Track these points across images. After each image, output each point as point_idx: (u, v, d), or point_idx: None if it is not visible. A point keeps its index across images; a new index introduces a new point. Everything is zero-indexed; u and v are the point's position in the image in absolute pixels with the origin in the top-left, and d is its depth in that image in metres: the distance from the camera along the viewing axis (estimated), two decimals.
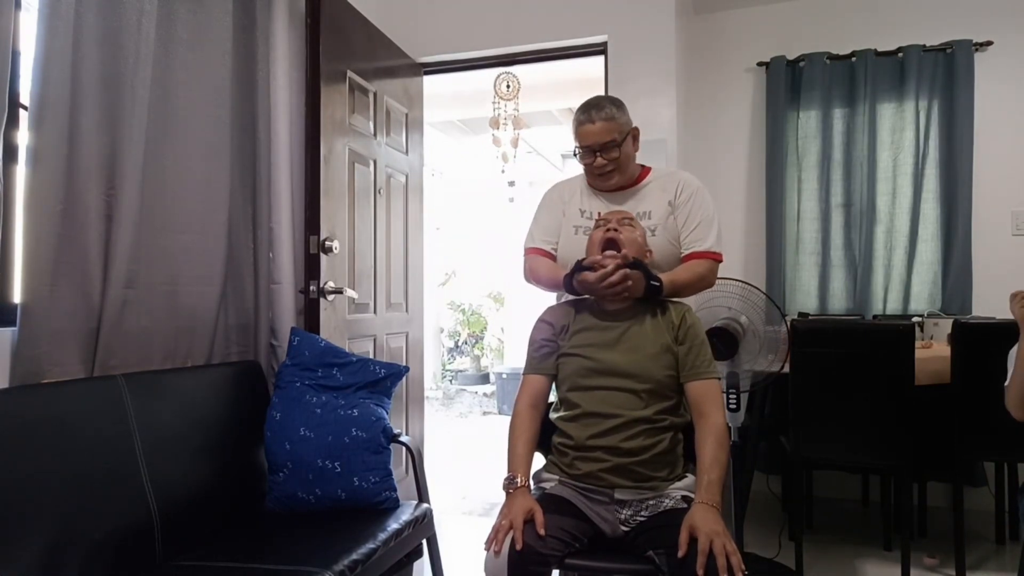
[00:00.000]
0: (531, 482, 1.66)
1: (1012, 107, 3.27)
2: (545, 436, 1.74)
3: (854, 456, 2.55)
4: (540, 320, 1.78)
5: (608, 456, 1.61)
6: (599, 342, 1.68)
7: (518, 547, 1.43)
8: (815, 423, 2.44)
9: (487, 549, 1.48)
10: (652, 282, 1.68)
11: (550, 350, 1.72)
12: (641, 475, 1.61)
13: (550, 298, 2.04)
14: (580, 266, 1.69)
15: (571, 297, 1.82)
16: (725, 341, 2.09)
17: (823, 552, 2.77)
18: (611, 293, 1.66)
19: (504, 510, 1.53)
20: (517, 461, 1.63)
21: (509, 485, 1.59)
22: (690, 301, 2.00)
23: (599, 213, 1.89)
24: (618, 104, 1.89)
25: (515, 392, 1.74)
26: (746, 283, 2.22)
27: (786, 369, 2.35)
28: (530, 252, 2.00)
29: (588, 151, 1.88)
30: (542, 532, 1.47)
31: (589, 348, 1.68)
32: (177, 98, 2.04)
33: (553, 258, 1.96)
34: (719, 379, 1.67)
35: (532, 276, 1.98)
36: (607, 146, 1.86)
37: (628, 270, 1.64)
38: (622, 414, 1.61)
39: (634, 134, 1.92)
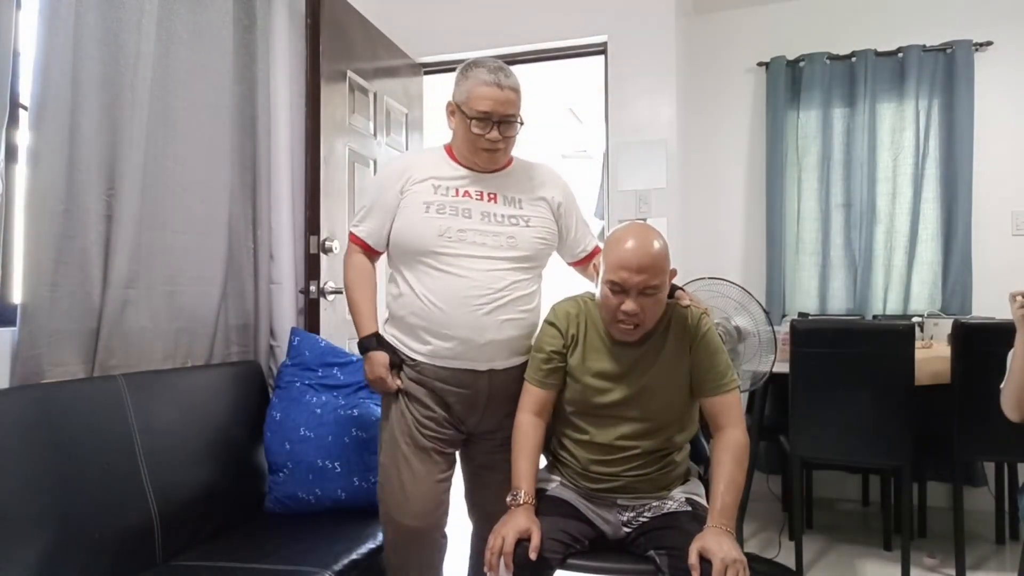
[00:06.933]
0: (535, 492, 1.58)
1: (1012, 107, 3.27)
2: (546, 436, 1.72)
3: (854, 456, 2.55)
4: (547, 322, 1.66)
5: (611, 479, 1.58)
6: (608, 371, 1.57)
7: (509, 572, 1.38)
8: (815, 423, 2.43)
9: (487, 572, 1.43)
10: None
11: (557, 363, 1.61)
12: (645, 489, 1.59)
13: (552, 296, 1.98)
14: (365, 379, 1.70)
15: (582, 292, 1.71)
16: None
17: (823, 552, 2.77)
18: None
19: (498, 525, 1.46)
20: (520, 476, 1.55)
21: (512, 501, 1.52)
22: None
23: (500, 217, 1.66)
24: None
25: None
26: (722, 280, 2.17)
27: (778, 369, 2.35)
28: (353, 240, 1.75)
29: (485, 120, 1.60)
30: (533, 557, 1.39)
31: (597, 378, 1.57)
32: (177, 98, 2.04)
33: (374, 254, 1.75)
34: (737, 388, 1.57)
35: (345, 277, 1.77)
36: (509, 120, 1.63)
37: None
38: (629, 446, 1.55)
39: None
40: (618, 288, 1.47)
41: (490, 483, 1.75)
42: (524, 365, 1.68)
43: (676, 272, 1.57)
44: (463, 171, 1.69)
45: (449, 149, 1.74)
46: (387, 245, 1.73)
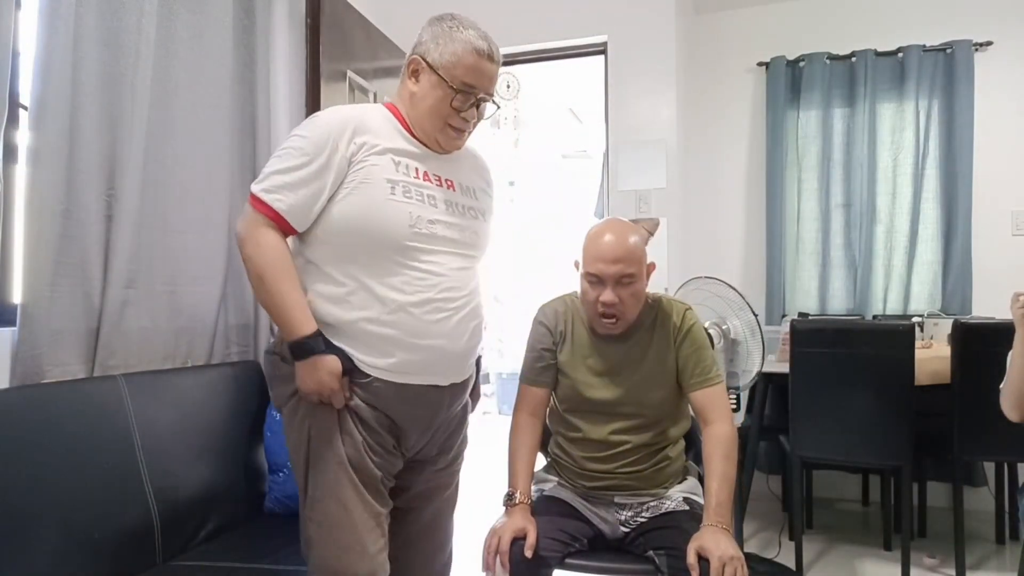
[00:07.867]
0: (531, 492, 1.60)
1: (1012, 107, 3.27)
2: (545, 437, 1.73)
3: (854, 456, 2.55)
4: (536, 321, 1.69)
5: (607, 477, 1.59)
6: (595, 368, 1.60)
7: (506, 572, 1.40)
8: (815, 423, 2.43)
9: (483, 571, 1.46)
10: None
11: (549, 361, 1.64)
12: (641, 487, 1.60)
13: (550, 294, 1.97)
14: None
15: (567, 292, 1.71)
16: None
17: (823, 552, 2.77)
18: None
19: (494, 525, 1.48)
20: (516, 477, 1.57)
21: (508, 501, 1.54)
22: None
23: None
24: None
25: (515, 392, 1.71)
26: (715, 279, 2.16)
27: (778, 369, 2.33)
28: (262, 210, 1.30)
29: (470, 94, 1.37)
30: (529, 554, 1.41)
31: (584, 373, 1.60)
32: (177, 98, 2.04)
33: (289, 233, 1.34)
34: (723, 382, 1.61)
35: (256, 260, 1.30)
36: (488, 98, 1.41)
37: None
38: (622, 441, 1.57)
39: None
40: (595, 280, 1.52)
41: (421, 522, 1.49)
42: (471, 377, 1.52)
43: (654, 266, 1.60)
44: (418, 148, 1.39)
45: (400, 116, 1.41)
46: (311, 225, 1.33)
